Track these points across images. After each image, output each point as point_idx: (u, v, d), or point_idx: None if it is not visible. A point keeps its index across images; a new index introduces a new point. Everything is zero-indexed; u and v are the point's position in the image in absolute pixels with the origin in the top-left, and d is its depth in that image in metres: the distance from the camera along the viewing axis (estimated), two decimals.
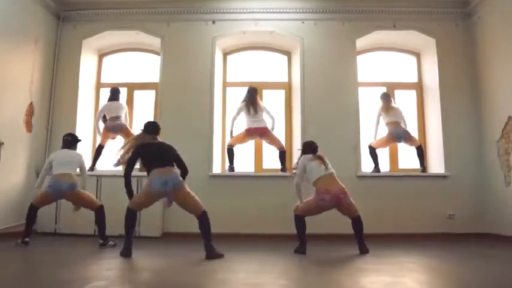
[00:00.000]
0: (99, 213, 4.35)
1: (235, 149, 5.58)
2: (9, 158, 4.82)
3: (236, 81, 6.21)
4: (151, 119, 4.04)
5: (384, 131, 5.70)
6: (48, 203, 4.41)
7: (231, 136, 5.61)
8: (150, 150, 3.81)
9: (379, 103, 5.76)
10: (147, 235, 5.06)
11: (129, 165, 3.77)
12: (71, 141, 4.59)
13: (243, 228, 5.19)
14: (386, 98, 5.75)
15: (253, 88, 5.68)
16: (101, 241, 4.22)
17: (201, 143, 5.46)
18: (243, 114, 5.57)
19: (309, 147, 4.33)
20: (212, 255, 3.53)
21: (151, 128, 3.95)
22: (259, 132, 5.49)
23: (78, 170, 4.51)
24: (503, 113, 5.05)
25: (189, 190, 3.72)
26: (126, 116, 5.73)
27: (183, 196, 3.68)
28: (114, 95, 5.77)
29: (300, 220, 4.04)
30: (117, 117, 5.59)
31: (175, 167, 3.78)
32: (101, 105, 6.15)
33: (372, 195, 5.17)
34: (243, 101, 5.60)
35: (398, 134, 5.55)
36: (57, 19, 5.91)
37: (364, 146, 5.66)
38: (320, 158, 4.16)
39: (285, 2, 5.88)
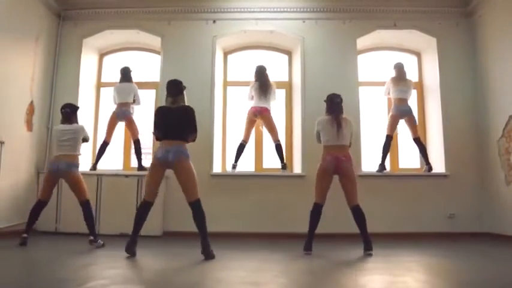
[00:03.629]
0: (86, 207, 4.24)
1: (245, 145, 5.56)
2: (9, 157, 4.82)
3: (237, 80, 6.21)
4: (173, 79, 3.84)
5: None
6: (51, 186, 4.27)
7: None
8: (165, 118, 3.69)
9: (392, 73, 5.65)
10: (148, 234, 5.04)
11: (155, 130, 3.75)
12: (69, 113, 4.38)
13: (243, 227, 5.20)
14: (401, 68, 5.64)
15: (263, 68, 5.63)
16: (91, 237, 4.16)
17: (202, 142, 5.42)
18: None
19: (329, 103, 4.14)
20: (207, 252, 3.50)
21: (168, 88, 3.77)
22: (260, 111, 5.43)
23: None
24: (504, 112, 5.04)
25: (191, 168, 3.64)
26: (137, 98, 5.70)
27: (183, 170, 3.60)
28: (125, 76, 5.72)
29: (315, 210, 3.96)
30: (126, 104, 5.59)
31: (186, 139, 3.69)
32: (101, 104, 6.18)
33: (372, 195, 5.15)
34: (255, 81, 5.58)
35: (403, 108, 5.45)
36: (58, 18, 5.91)
37: (364, 145, 5.65)
38: (338, 123, 4.00)
39: (285, 2, 5.88)
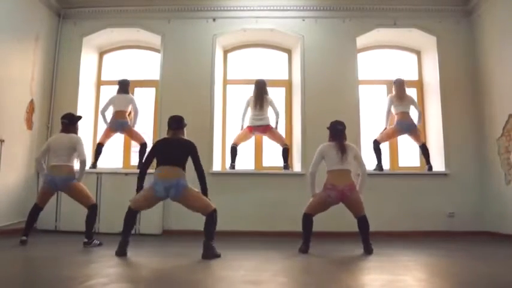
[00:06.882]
0: (92, 211, 4.19)
1: (237, 147, 5.60)
2: (9, 155, 4.83)
3: (236, 78, 6.21)
4: (175, 114, 3.90)
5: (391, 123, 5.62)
6: (49, 197, 4.26)
7: (242, 129, 5.65)
8: (163, 146, 3.70)
9: (392, 90, 5.66)
10: (148, 232, 5.07)
11: (144, 162, 3.72)
12: (67, 123, 4.30)
13: (243, 226, 5.20)
14: (401, 85, 5.61)
15: (261, 81, 5.67)
16: (86, 240, 4.08)
17: (202, 140, 5.43)
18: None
19: (332, 130, 4.11)
20: (208, 255, 3.44)
21: (170, 122, 3.81)
22: (261, 130, 5.52)
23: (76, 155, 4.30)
24: (504, 111, 5.04)
25: (193, 193, 3.60)
26: (134, 109, 5.66)
27: (188, 200, 3.59)
28: (123, 87, 5.71)
29: (307, 219, 3.94)
30: (122, 113, 5.56)
31: (184, 168, 3.63)
32: (101, 103, 6.16)
33: (372, 194, 5.14)
34: (251, 96, 5.63)
35: (406, 125, 5.45)
36: (58, 16, 5.91)
37: (364, 144, 5.65)
38: (342, 149, 3.98)
39: (285, 0, 5.87)
